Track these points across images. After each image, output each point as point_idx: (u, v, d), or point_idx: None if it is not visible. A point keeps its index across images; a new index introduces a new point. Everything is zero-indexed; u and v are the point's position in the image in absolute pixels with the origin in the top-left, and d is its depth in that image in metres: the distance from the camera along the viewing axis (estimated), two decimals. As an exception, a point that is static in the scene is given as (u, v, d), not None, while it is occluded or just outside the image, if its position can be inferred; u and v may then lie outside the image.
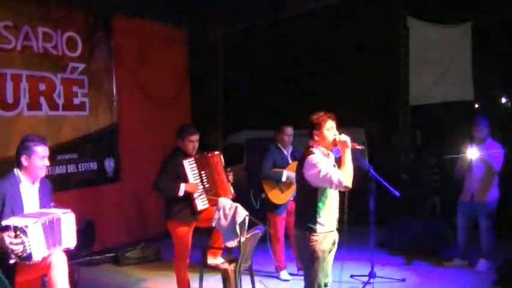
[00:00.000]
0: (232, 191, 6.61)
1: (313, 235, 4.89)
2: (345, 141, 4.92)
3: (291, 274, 7.54)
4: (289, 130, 7.45)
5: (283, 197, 7.35)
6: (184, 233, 6.34)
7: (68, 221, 4.94)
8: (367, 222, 7.20)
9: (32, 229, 4.48)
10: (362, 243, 7.64)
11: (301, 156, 5.10)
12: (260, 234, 6.32)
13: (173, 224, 6.36)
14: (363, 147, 5.32)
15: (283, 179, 7.24)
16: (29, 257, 4.50)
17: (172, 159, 6.32)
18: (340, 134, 4.99)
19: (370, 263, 7.24)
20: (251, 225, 6.16)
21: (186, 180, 6.25)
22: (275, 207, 7.40)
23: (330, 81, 12.79)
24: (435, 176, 10.63)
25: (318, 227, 4.89)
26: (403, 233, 8.82)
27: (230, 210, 6.11)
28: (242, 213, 6.05)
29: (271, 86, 13.06)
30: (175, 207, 6.29)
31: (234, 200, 6.42)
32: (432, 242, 8.60)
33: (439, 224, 8.94)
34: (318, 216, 4.89)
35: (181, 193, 6.17)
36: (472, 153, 7.50)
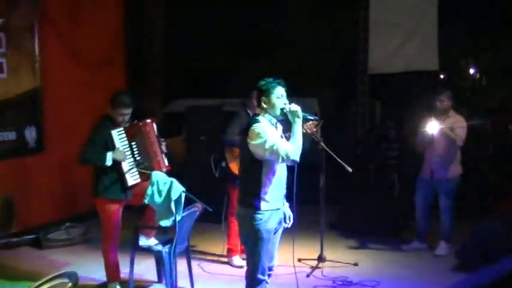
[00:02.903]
0: (167, 163, 6.52)
1: (257, 213, 4.86)
2: (296, 111, 4.89)
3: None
4: None
5: None
6: (113, 211, 6.23)
7: None
8: (318, 200, 7.22)
9: None
10: (311, 224, 7.68)
11: (247, 124, 5.04)
12: (198, 213, 6.29)
13: (101, 202, 6.25)
14: (316, 119, 5.30)
15: None
16: None
17: (100, 129, 6.19)
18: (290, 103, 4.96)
19: (320, 246, 7.28)
20: (188, 202, 6.11)
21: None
22: (236, 180, 7.28)
23: (280, 46, 12.72)
24: (394, 152, 10.74)
25: (263, 204, 4.86)
26: (357, 212, 8.90)
27: (165, 185, 6.04)
28: (178, 189, 5.99)
29: (216, 50, 12.93)
30: (104, 183, 6.17)
31: (170, 173, 6.34)
32: (389, 223, 8.69)
33: (397, 204, 9.04)
34: (262, 192, 4.87)
35: (108, 162, 6.04)
36: (433, 126, 7.53)
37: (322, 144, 6.72)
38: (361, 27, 11.14)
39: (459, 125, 7.60)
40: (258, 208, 4.86)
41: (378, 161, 10.70)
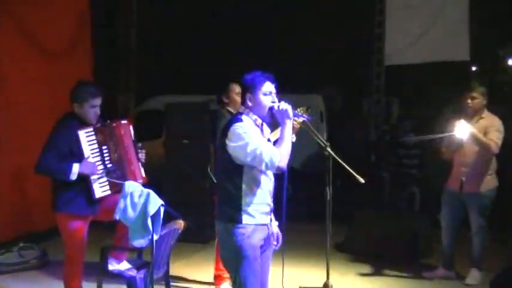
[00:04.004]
0: (144, 174, 6.53)
1: (238, 227, 4.88)
2: (285, 111, 4.93)
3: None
4: (239, 88, 7.29)
5: None
6: (77, 229, 6.23)
7: None
8: (323, 216, 7.24)
9: None
10: (315, 245, 7.69)
11: (226, 123, 5.07)
12: (179, 231, 6.30)
13: (63, 217, 6.23)
14: (310, 117, 5.32)
15: None
16: None
17: (64, 129, 6.17)
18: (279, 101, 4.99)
19: (326, 272, 7.30)
20: (168, 218, 6.12)
21: (81, 159, 6.14)
22: None
23: (279, 34, 12.72)
24: (413, 159, 10.74)
25: (245, 218, 4.89)
26: (369, 232, 8.91)
27: (140, 198, 6.05)
28: (155, 203, 6.00)
29: (199, 39, 12.93)
30: (66, 195, 6.16)
31: (147, 185, 6.36)
32: (408, 244, 8.70)
33: (418, 221, 9.05)
34: (243, 203, 4.90)
35: (73, 176, 6.04)
36: (462, 129, 7.53)
37: (328, 149, 6.76)
38: (376, 10, 11.17)
39: (494, 128, 7.60)
40: (239, 222, 4.88)
41: (395, 169, 10.72)
